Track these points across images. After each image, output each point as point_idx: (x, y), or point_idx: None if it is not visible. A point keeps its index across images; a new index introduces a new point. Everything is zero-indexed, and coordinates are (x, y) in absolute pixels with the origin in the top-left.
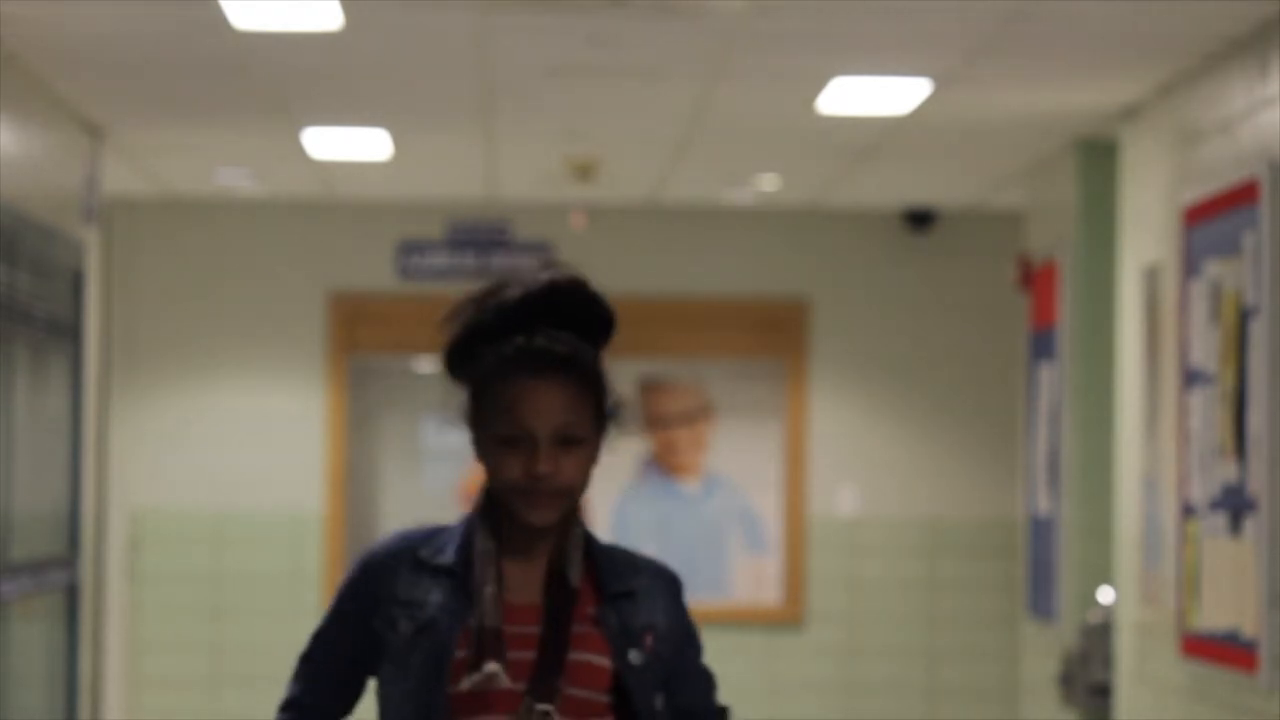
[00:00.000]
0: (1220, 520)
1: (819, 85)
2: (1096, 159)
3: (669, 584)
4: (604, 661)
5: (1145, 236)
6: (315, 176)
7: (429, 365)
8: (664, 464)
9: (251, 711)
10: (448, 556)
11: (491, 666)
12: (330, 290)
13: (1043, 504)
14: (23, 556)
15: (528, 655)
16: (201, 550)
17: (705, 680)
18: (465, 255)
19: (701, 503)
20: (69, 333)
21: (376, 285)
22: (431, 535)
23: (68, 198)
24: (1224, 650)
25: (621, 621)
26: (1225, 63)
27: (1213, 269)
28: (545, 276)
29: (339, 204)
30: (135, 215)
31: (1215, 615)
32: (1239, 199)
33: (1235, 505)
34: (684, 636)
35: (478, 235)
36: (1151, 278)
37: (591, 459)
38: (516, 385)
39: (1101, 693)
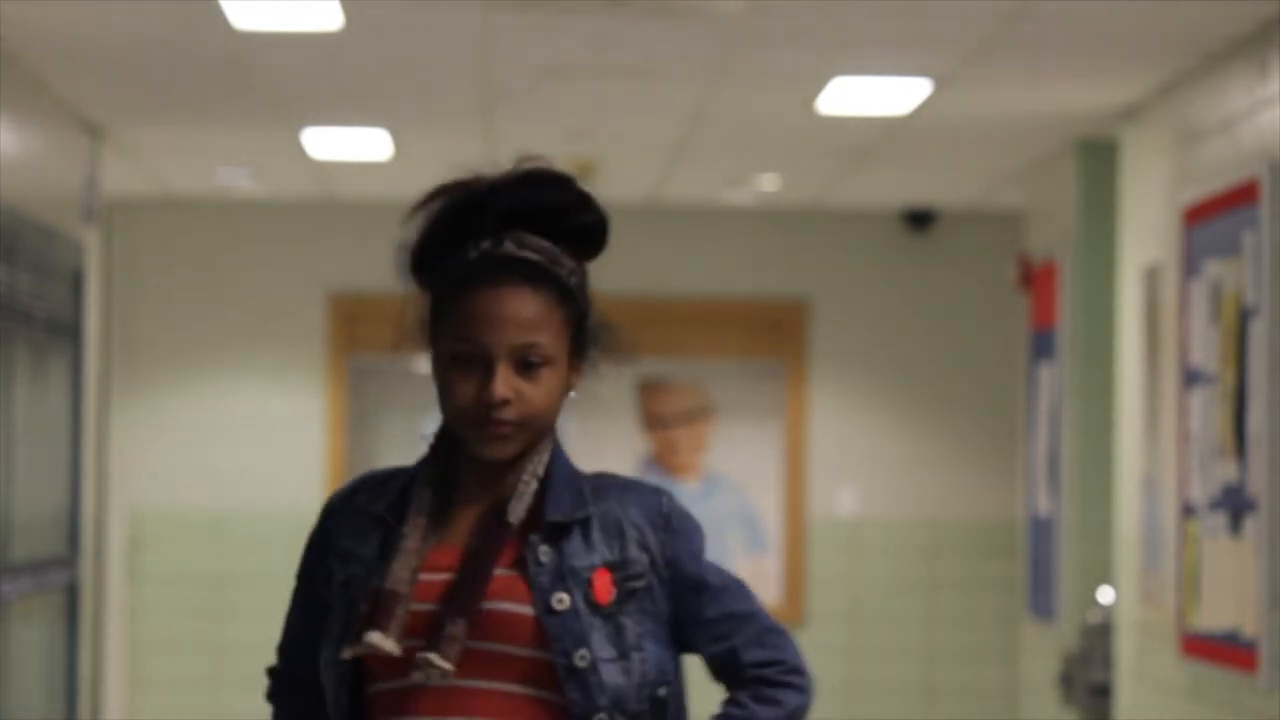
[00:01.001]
0: (1220, 520)
1: (819, 85)
2: (1096, 159)
3: (649, 514)
4: (524, 610)
5: (1145, 236)
6: (315, 176)
7: (429, 365)
8: (664, 464)
9: (251, 711)
10: (383, 503)
11: (373, 636)
12: (330, 290)
13: (1043, 504)
14: (23, 556)
15: (432, 606)
16: (201, 550)
17: (739, 624)
18: None
19: (701, 503)
20: (69, 333)
21: (376, 285)
22: (389, 477)
23: (68, 198)
24: (1224, 650)
25: (557, 560)
26: (1225, 63)
27: (1213, 269)
28: (522, 169)
29: (339, 204)
30: (135, 215)
31: (1215, 615)
32: (1239, 199)
33: (1235, 505)
34: (683, 579)
35: None
36: (1151, 278)
37: (561, 386)
38: (475, 295)
39: (1101, 693)
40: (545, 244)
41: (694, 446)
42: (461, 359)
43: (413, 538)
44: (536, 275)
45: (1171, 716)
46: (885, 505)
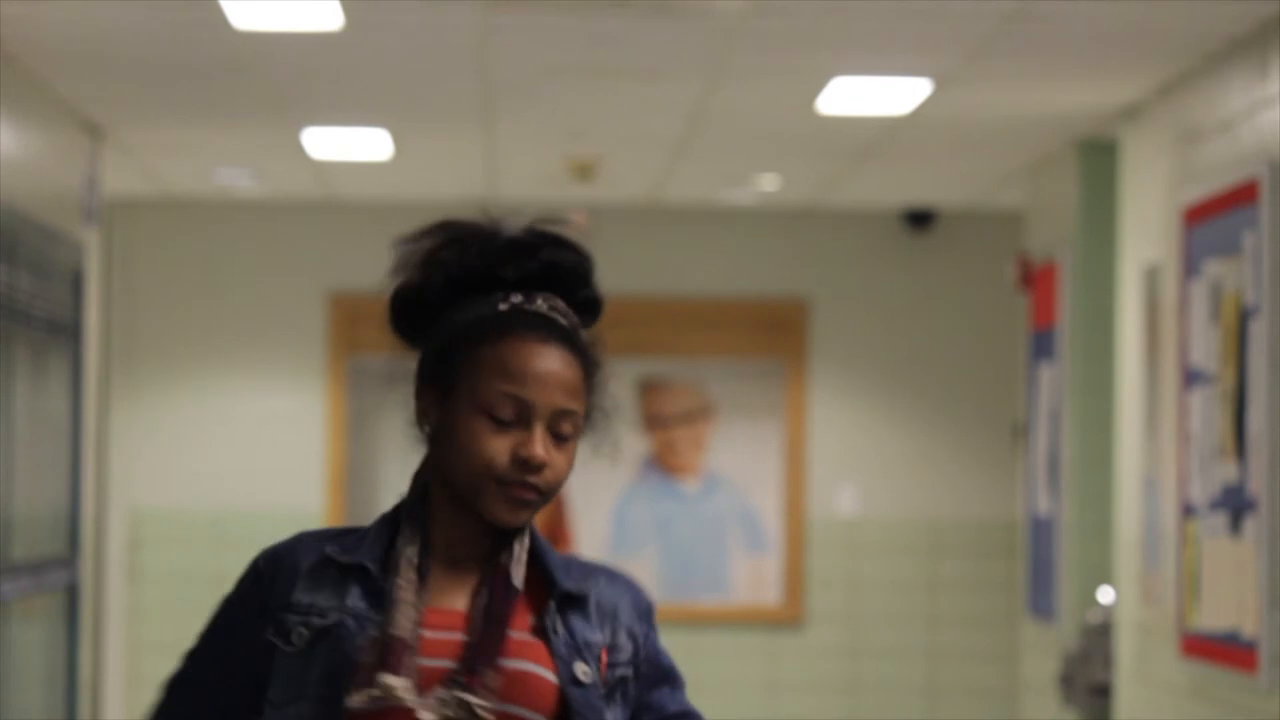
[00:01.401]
0: (1220, 520)
1: (819, 85)
2: (1096, 159)
3: (636, 603)
4: (548, 675)
5: (1145, 236)
6: (315, 176)
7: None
8: (664, 464)
9: None
10: (362, 554)
11: (389, 679)
12: (330, 290)
13: (1043, 504)
14: (23, 556)
15: (446, 663)
16: (201, 550)
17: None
18: None
19: (701, 503)
20: (69, 333)
21: (376, 285)
22: (342, 534)
23: (68, 198)
24: (1224, 650)
25: (568, 632)
26: (1225, 63)
27: (1213, 269)
28: (542, 229)
29: (339, 204)
30: (135, 215)
31: (1215, 615)
32: (1239, 199)
33: (1235, 505)
34: (656, 670)
35: None
36: (1151, 278)
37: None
38: (519, 347)
39: (1101, 693)
40: (570, 312)
41: (694, 446)
42: (498, 412)
43: (408, 591)
44: (574, 342)
45: (1171, 716)
46: (885, 505)
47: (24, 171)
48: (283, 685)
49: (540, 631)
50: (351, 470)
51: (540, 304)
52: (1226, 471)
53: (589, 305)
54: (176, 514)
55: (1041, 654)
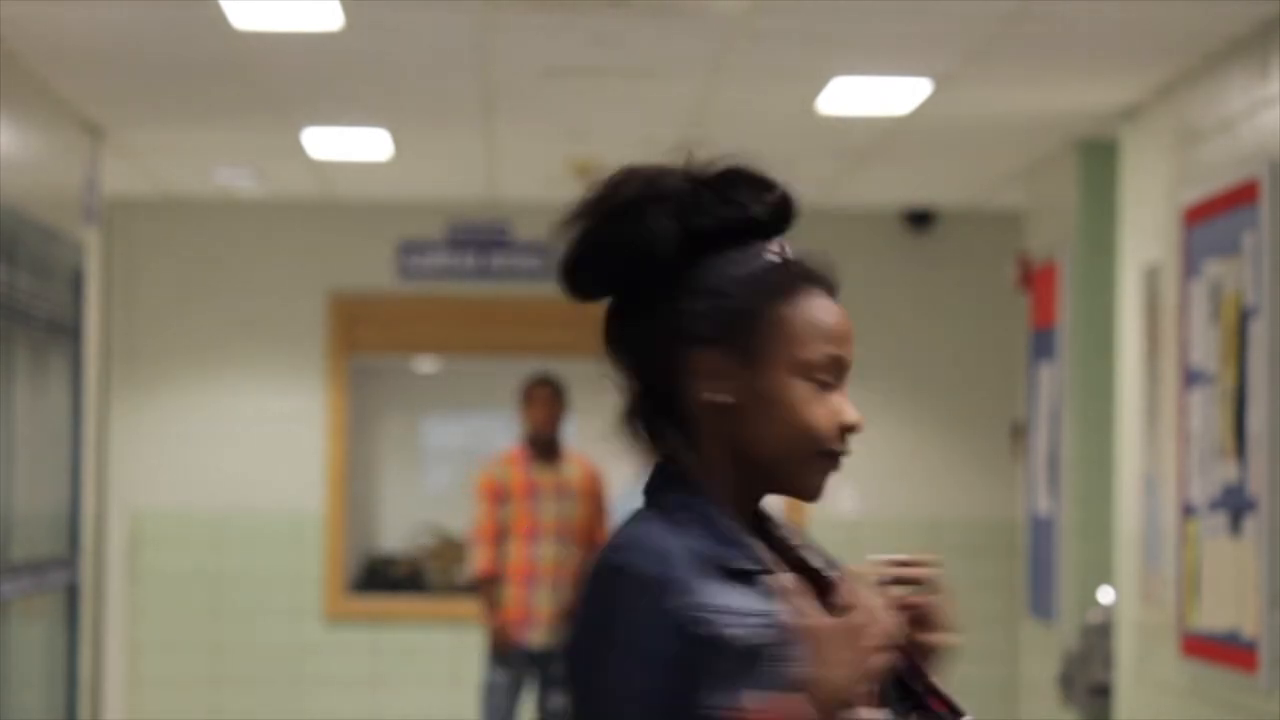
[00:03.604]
0: (1220, 520)
1: (819, 85)
2: (1096, 159)
3: None
4: None
5: (1145, 236)
6: (315, 176)
7: (429, 365)
8: None
9: (251, 712)
10: (739, 556)
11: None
12: (330, 290)
13: (1043, 504)
14: (23, 556)
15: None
16: (201, 550)
17: None
18: (465, 255)
19: None
20: (69, 333)
21: (376, 285)
22: (686, 531)
23: (68, 198)
24: (1224, 650)
25: None
26: (1225, 63)
27: (1213, 269)
28: (748, 166)
29: (339, 204)
30: (135, 215)
31: (1215, 615)
32: (1239, 199)
33: (1235, 505)
34: None
35: (478, 235)
36: (1151, 278)
37: None
38: (821, 303)
39: (1101, 693)
40: None
41: None
42: (821, 375)
43: (799, 588)
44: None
45: (1171, 716)
46: (885, 505)
47: (24, 171)
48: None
49: None
50: (351, 470)
51: (796, 252)
52: (1226, 471)
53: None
54: (176, 514)
55: (1041, 654)
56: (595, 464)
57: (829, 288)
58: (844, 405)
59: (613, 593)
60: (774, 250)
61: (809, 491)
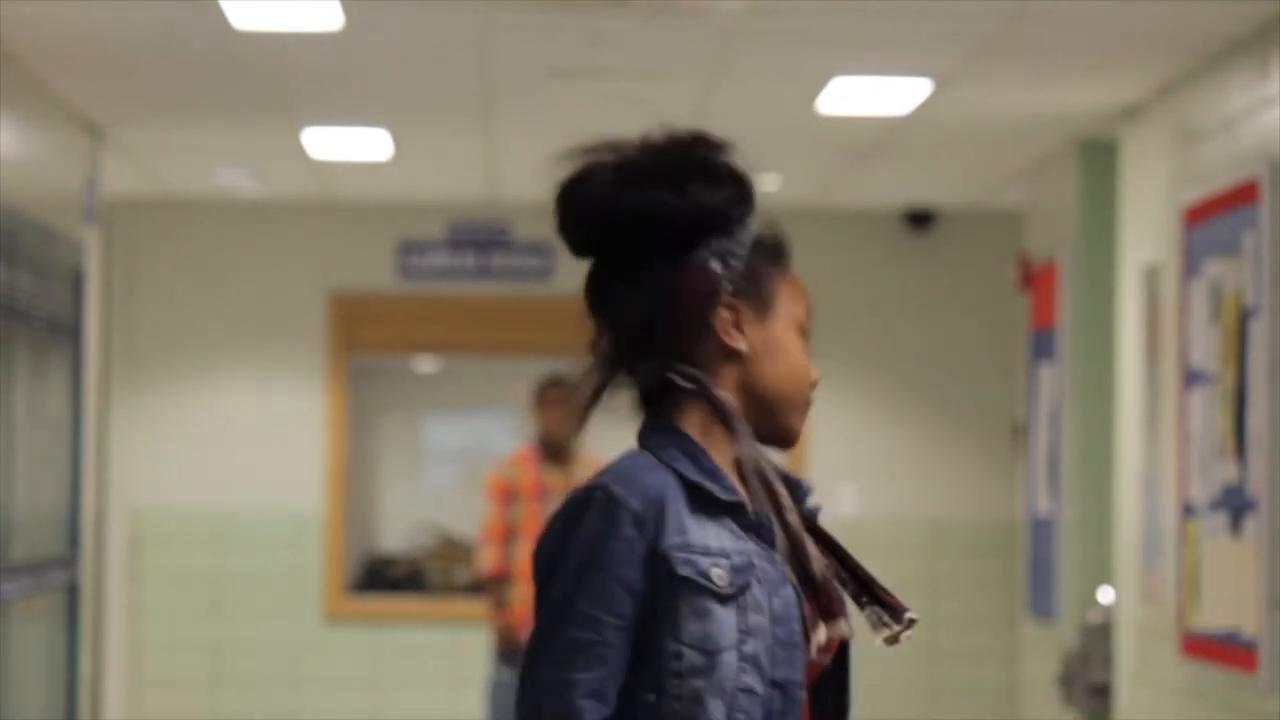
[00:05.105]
0: (1220, 520)
1: (819, 85)
2: (1096, 159)
3: None
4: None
5: (1145, 236)
6: (315, 176)
7: (429, 365)
8: None
9: (251, 712)
10: (728, 488)
11: (845, 626)
12: (330, 290)
13: (1043, 504)
14: (23, 556)
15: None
16: (201, 550)
17: None
18: (465, 255)
19: None
20: (69, 333)
21: (376, 285)
22: (672, 463)
23: (68, 198)
24: (1224, 650)
25: None
26: (1225, 63)
27: (1213, 269)
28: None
29: (339, 204)
30: (135, 215)
31: (1215, 615)
32: (1239, 199)
33: (1235, 505)
34: None
35: (478, 235)
36: (1151, 278)
37: None
38: (795, 274)
39: (1101, 693)
40: None
41: None
42: (804, 334)
43: (800, 525)
44: None
45: (1171, 716)
46: (886, 504)
47: (24, 171)
48: (708, 629)
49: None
50: (351, 470)
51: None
52: (1226, 471)
53: None
54: (176, 514)
55: (1041, 654)
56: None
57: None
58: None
59: (595, 515)
60: (753, 226)
61: (793, 435)
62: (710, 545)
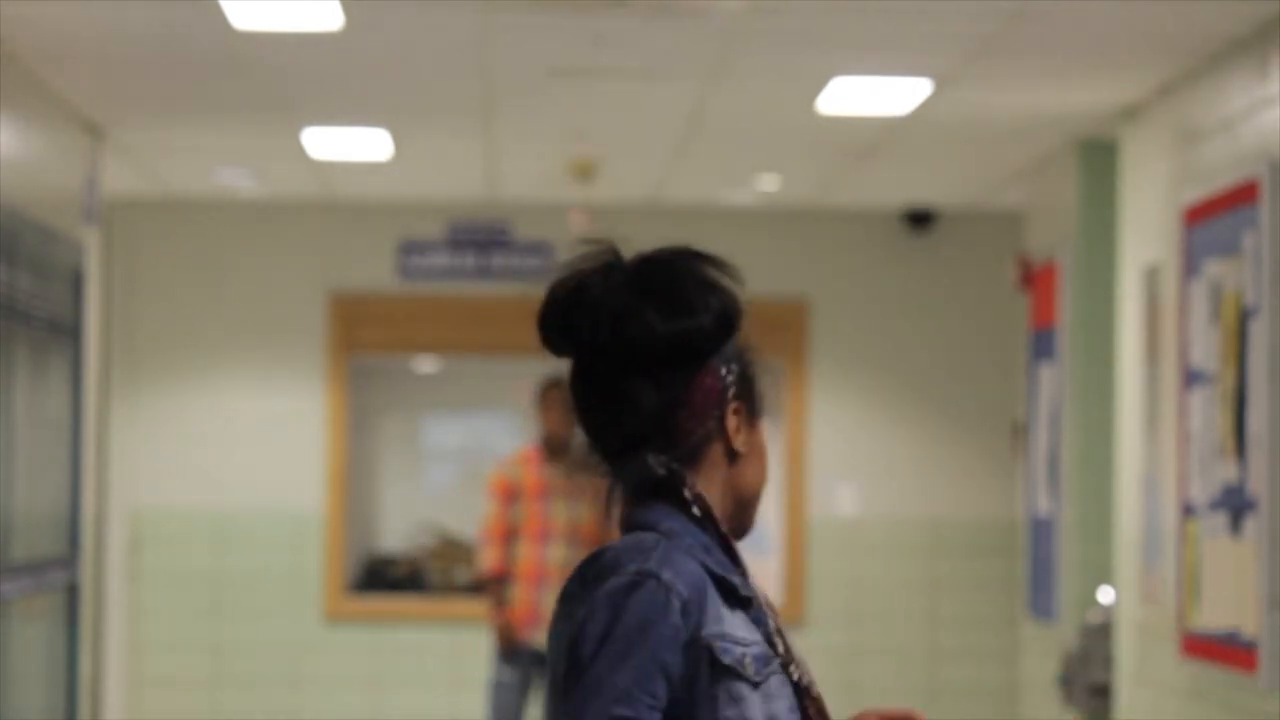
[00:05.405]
0: (1220, 520)
1: (819, 85)
2: (1096, 159)
3: None
4: None
5: (1145, 236)
6: (315, 176)
7: (429, 365)
8: None
9: (251, 712)
10: (738, 580)
11: None
12: (330, 290)
13: (1043, 504)
14: (23, 556)
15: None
16: (201, 550)
17: None
18: (465, 255)
19: None
20: (69, 333)
21: (376, 285)
22: (690, 552)
23: (68, 198)
24: (1224, 650)
25: None
26: (1225, 63)
27: (1213, 269)
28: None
29: (339, 204)
30: (135, 215)
31: (1215, 615)
32: (1239, 199)
33: (1235, 505)
34: None
35: (478, 235)
36: (1151, 278)
37: None
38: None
39: (1101, 693)
40: None
41: None
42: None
43: (774, 618)
44: None
45: (1171, 716)
46: (885, 505)
47: (24, 171)
48: (743, 713)
49: None
50: (351, 470)
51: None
52: (1226, 471)
53: None
54: (176, 514)
55: (1041, 654)
56: None
57: None
58: None
59: (645, 598)
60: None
61: (748, 528)
62: (740, 635)
